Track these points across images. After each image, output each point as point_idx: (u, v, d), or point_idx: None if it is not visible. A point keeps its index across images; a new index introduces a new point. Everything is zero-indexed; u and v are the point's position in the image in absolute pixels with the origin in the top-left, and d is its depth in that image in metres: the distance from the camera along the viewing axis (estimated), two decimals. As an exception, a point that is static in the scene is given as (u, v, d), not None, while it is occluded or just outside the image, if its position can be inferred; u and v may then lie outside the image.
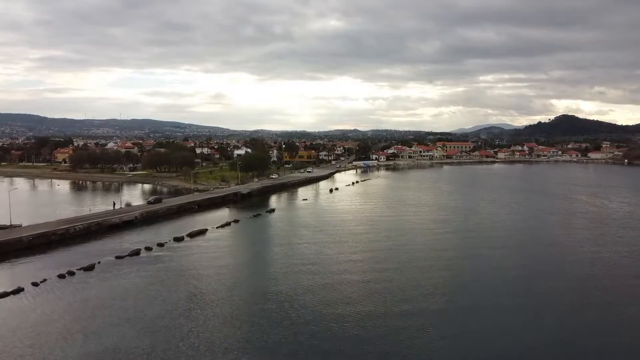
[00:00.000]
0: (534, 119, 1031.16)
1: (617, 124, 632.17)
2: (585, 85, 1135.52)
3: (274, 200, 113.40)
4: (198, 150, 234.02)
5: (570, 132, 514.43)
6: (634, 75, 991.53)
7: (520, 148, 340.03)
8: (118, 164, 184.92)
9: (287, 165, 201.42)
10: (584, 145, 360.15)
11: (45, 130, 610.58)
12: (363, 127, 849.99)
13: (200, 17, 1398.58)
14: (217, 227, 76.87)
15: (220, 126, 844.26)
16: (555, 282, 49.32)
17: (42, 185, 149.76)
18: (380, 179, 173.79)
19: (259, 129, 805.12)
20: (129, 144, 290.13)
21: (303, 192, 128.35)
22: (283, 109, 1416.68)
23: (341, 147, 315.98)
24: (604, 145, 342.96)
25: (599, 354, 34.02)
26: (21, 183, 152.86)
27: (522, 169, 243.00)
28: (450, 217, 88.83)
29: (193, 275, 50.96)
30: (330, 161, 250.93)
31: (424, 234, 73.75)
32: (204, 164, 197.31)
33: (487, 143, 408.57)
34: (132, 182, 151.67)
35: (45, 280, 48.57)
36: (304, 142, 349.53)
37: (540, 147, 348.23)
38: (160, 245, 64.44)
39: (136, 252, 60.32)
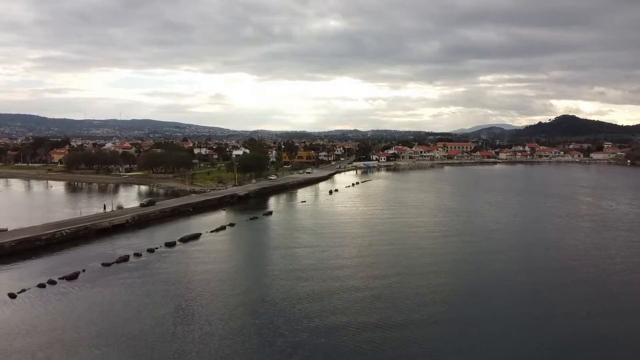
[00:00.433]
0: (534, 119, 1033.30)
1: (618, 124, 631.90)
2: (585, 86, 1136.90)
3: (272, 202, 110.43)
4: (196, 151, 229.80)
5: (570, 133, 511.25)
6: (634, 75, 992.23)
7: (521, 148, 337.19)
8: (114, 164, 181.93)
9: (286, 166, 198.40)
10: (586, 145, 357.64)
11: (45, 130, 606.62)
12: (363, 128, 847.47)
13: (200, 17, 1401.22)
14: (211, 231, 73.89)
15: (220, 126, 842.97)
16: (563, 290, 46.46)
17: (37, 186, 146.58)
18: (380, 180, 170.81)
19: (258, 129, 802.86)
20: (126, 144, 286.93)
21: (302, 194, 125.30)
22: (283, 109, 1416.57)
23: (341, 148, 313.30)
24: (606, 146, 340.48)
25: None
26: (15, 184, 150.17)
27: (524, 169, 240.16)
28: (452, 220, 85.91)
29: (183, 285, 47.89)
30: (330, 162, 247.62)
31: (426, 238, 70.90)
32: (201, 165, 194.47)
33: (488, 143, 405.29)
34: (128, 183, 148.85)
35: (23, 290, 45.50)
36: (304, 142, 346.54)
37: (542, 147, 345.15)
38: (151, 251, 61.39)
39: (124, 259, 57.29)
